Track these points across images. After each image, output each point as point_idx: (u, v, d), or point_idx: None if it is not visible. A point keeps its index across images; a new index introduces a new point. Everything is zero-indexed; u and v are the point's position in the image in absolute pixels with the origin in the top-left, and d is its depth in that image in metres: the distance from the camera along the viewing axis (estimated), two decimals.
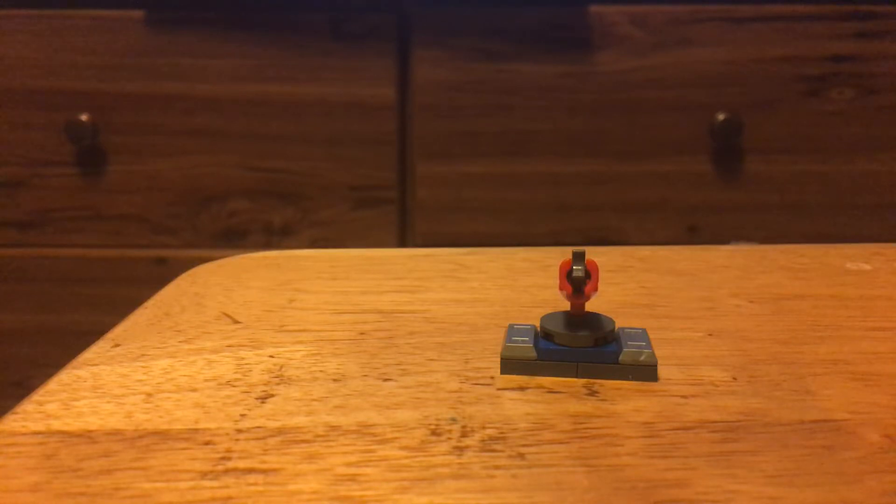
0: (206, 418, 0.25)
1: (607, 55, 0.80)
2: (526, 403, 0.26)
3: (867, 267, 0.42)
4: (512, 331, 0.30)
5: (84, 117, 0.80)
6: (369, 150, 0.82)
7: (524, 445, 0.23)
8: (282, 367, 0.29)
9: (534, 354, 0.28)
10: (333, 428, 0.24)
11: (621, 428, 0.24)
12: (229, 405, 0.26)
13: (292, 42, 0.81)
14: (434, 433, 0.24)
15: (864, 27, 0.80)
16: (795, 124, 0.81)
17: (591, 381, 0.28)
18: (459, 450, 0.23)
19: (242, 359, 0.30)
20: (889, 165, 0.82)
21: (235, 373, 0.29)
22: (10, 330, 0.85)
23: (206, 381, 0.28)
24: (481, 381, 0.28)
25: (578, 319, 0.29)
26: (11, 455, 0.23)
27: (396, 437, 0.24)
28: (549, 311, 0.33)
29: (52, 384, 0.28)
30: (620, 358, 0.28)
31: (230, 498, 0.21)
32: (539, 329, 0.30)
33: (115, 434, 0.24)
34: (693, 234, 0.83)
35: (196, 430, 0.24)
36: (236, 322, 0.34)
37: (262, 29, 0.81)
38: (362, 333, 0.33)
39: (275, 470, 0.22)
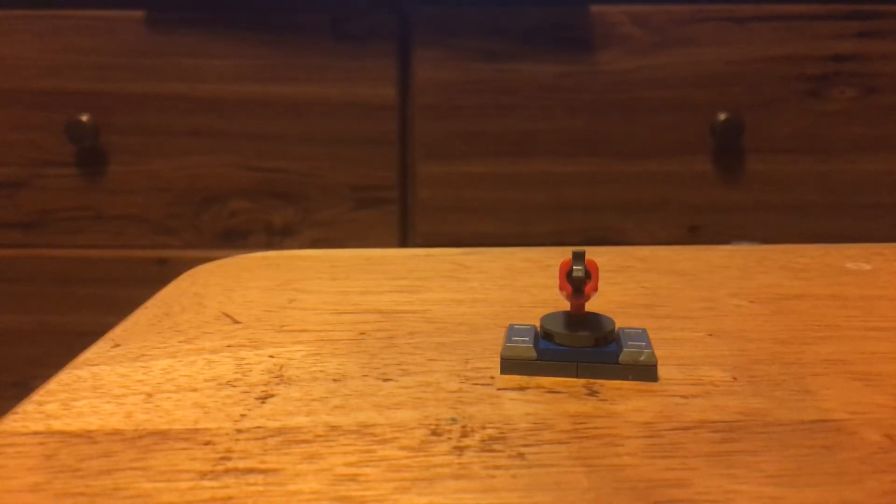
0: (206, 418, 0.25)
1: (608, 55, 0.80)
2: (526, 403, 0.26)
3: (867, 267, 0.42)
4: (512, 331, 0.30)
5: (84, 117, 0.80)
6: (370, 150, 0.82)
7: (524, 445, 0.23)
8: (282, 367, 0.29)
9: (534, 354, 0.28)
10: (333, 428, 0.24)
11: (621, 428, 0.24)
12: (229, 405, 0.26)
13: (293, 42, 0.81)
14: (434, 433, 0.24)
15: (865, 26, 0.80)
16: (796, 124, 0.81)
17: (591, 381, 0.28)
18: (459, 450, 0.23)
19: (242, 359, 0.30)
20: (890, 165, 0.81)
21: (235, 373, 0.29)
22: (10, 330, 0.85)
23: (206, 381, 0.28)
24: (481, 381, 0.28)
25: (578, 319, 0.29)
26: (11, 455, 0.23)
27: (396, 437, 0.24)
28: (549, 311, 0.33)
29: (52, 384, 0.28)
30: (620, 358, 0.28)
31: (230, 498, 0.21)
32: (539, 329, 0.30)
33: (115, 434, 0.24)
34: (694, 234, 0.83)
35: (196, 430, 0.24)
36: (236, 322, 0.34)
37: (263, 29, 0.81)
38: (362, 333, 0.33)
39: (275, 470, 0.22)
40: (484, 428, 0.24)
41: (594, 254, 0.45)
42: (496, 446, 0.23)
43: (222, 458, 0.23)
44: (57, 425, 0.25)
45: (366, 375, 0.28)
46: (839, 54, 0.80)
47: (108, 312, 0.83)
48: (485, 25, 0.80)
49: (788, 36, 0.80)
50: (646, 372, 0.28)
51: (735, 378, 0.28)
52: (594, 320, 0.29)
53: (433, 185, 0.82)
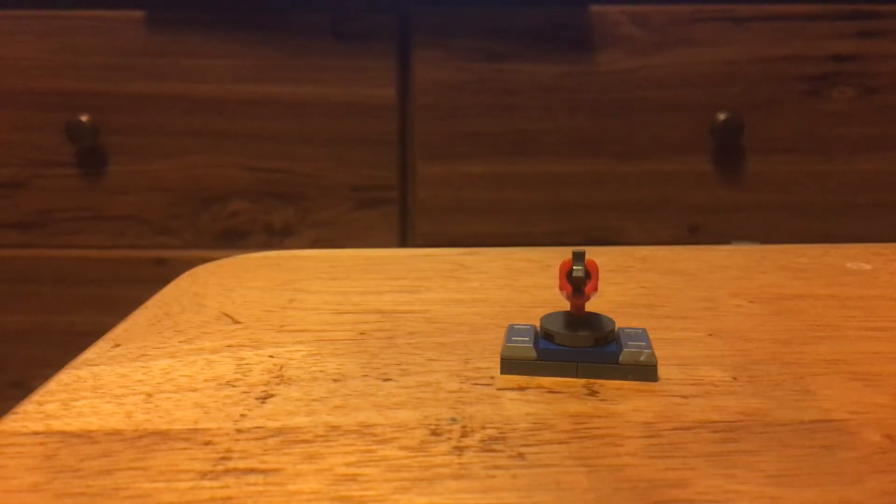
0: (206, 418, 0.25)
1: (608, 55, 0.80)
2: (526, 403, 0.26)
3: (867, 267, 0.42)
4: (512, 331, 0.30)
5: (84, 118, 0.80)
6: (370, 150, 0.82)
7: (524, 445, 0.23)
8: (282, 367, 0.29)
9: (534, 354, 0.28)
10: (333, 428, 0.24)
11: (621, 428, 0.24)
12: (229, 405, 0.26)
13: (293, 42, 0.81)
14: (434, 433, 0.24)
15: (865, 26, 0.80)
16: (796, 124, 0.81)
17: (591, 381, 0.28)
18: (459, 450, 0.23)
19: (242, 359, 0.30)
20: (889, 165, 0.81)
21: (235, 373, 0.29)
22: (10, 330, 0.85)
23: (206, 381, 0.28)
24: (481, 381, 0.28)
25: (578, 319, 0.29)
26: (11, 455, 0.23)
27: (396, 437, 0.24)
28: (549, 311, 0.33)
29: (52, 384, 0.28)
30: (620, 358, 0.28)
31: (230, 498, 0.21)
32: (539, 329, 0.30)
33: (115, 434, 0.24)
34: (694, 234, 0.83)
35: (196, 430, 0.24)
36: (236, 322, 0.34)
37: (263, 29, 0.81)
38: (362, 333, 0.33)
39: (275, 470, 0.22)
40: (484, 428, 0.24)
41: (594, 254, 0.45)
42: (496, 446, 0.23)
43: (222, 458, 0.23)
44: (57, 425, 0.25)
45: (366, 375, 0.28)
46: (839, 54, 0.80)
47: (108, 312, 0.83)
48: (485, 25, 0.80)
49: (788, 36, 0.80)
50: (646, 372, 0.28)
51: (735, 378, 0.28)
52: (594, 320, 0.29)
53: (433, 185, 0.82)
